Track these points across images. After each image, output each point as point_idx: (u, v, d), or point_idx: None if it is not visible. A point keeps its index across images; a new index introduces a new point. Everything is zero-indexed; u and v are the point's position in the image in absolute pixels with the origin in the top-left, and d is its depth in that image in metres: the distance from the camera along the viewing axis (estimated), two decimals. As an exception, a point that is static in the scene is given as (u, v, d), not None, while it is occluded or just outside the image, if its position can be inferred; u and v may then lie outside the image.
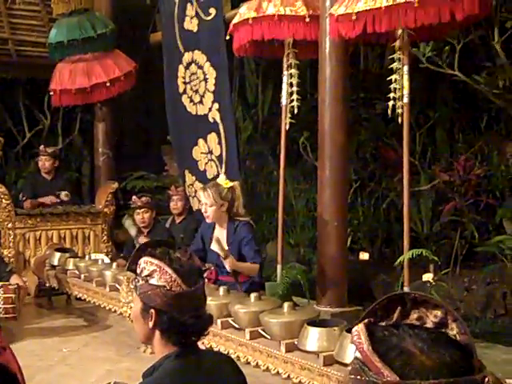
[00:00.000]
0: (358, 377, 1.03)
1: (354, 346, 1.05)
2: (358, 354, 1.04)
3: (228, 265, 4.44)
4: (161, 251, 2.01)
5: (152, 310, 1.93)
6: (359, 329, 1.05)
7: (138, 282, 1.98)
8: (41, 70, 8.20)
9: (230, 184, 4.73)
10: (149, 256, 1.98)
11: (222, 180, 4.79)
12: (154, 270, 1.93)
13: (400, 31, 4.42)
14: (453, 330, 1.06)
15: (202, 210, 4.76)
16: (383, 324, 1.08)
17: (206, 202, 4.67)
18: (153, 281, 1.93)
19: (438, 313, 1.08)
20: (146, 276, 1.95)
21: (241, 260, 4.60)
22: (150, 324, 1.95)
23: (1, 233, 7.08)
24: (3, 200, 7.00)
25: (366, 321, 1.08)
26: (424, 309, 1.09)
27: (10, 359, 0.99)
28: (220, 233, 4.77)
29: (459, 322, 1.07)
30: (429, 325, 1.08)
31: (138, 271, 2.00)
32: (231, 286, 4.43)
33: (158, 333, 1.96)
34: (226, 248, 4.51)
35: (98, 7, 8.01)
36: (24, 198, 7.21)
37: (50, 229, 7.18)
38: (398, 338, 1.03)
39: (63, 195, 7.27)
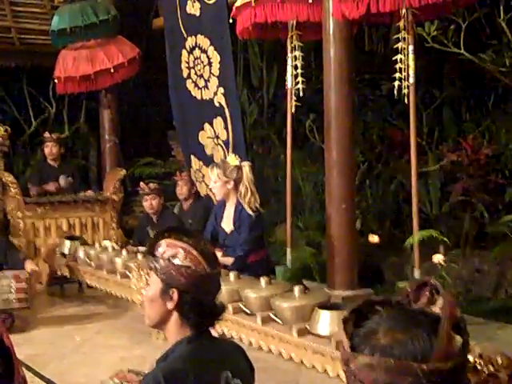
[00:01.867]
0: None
1: None
2: None
3: None
4: (179, 236, 2.03)
5: (174, 290, 1.94)
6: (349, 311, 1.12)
7: (158, 262, 1.98)
8: (44, 58, 8.18)
9: (237, 163, 4.83)
10: (171, 239, 1.99)
11: (231, 159, 4.92)
12: (178, 252, 1.95)
13: (404, 10, 4.38)
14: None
15: (210, 186, 4.96)
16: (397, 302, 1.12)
17: (211, 179, 4.86)
18: (177, 261, 1.94)
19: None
20: (170, 257, 1.96)
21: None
22: (170, 305, 1.95)
23: (10, 222, 7.12)
24: (11, 189, 7.03)
25: (365, 300, 1.14)
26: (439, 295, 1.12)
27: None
28: (229, 210, 4.89)
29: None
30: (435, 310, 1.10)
31: (159, 253, 2.00)
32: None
33: (175, 314, 1.97)
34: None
35: (100, -7, 7.95)
36: (30, 186, 7.26)
37: (60, 217, 7.22)
38: (380, 316, 1.08)
39: (62, 180, 7.29)
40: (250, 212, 4.77)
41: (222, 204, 4.95)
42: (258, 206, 4.83)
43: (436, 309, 1.10)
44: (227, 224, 4.92)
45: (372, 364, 1.02)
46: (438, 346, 1.02)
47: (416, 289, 1.13)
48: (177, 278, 1.93)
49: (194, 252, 1.93)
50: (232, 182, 4.77)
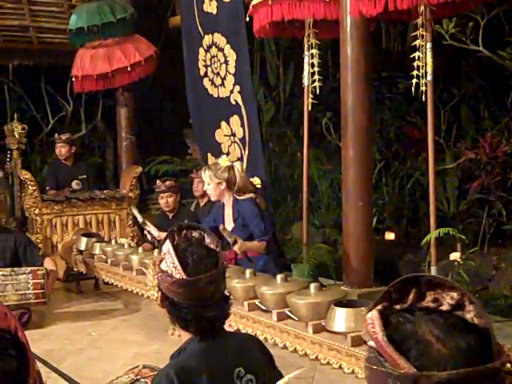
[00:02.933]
0: (374, 366, 1.01)
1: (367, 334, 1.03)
2: (373, 343, 1.02)
3: (237, 250, 4.56)
4: (188, 235, 2.02)
5: (160, 293, 1.99)
6: (373, 316, 1.02)
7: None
8: (62, 57, 8.24)
9: (228, 163, 4.91)
10: (169, 240, 1.99)
11: (222, 160, 4.98)
12: (165, 254, 1.96)
13: (422, 8, 4.35)
14: (470, 313, 1.03)
15: (205, 188, 5.03)
16: (398, 307, 1.05)
17: (205, 181, 4.93)
18: (162, 265, 1.96)
19: (455, 294, 1.04)
20: (160, 260, 1.99)
21: (249, 237, 4.72)
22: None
23: (28, 219, 7.18)
24: (29, 186, 7.09)
25: (379, 307, 1.04)
26: (440, 290, 1.05)
27: (1, 318, 1.00)
28: (228, 211, 4.91)
29: (476, 305, 1.03)
30: (445, 307, 1.04)
31: None
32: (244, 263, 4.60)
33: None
34: (232, 234, 4.63)
35: (117, -8, 8.00)
36: (47, 188, 7.31)
37: (76, 214, 7.26)
38: (414, 324, 1.00)
39: (74, 184, 7.33)
40: (248, 196, 4.84)
41: (221, 206, 4.99)
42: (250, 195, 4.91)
43: (426, 304, 1.05)
44: (228, 224, 4.91)
45: (451, 378, 0.95)
46: (495, 345, 0.99)
47: (401, 287, 1.07)
48: (160, 282, 1.96)
49: (174, 257, 1.92)
50: (224, 183, 4.83)
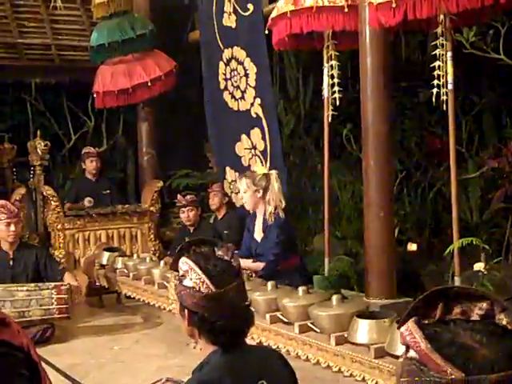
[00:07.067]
0: (416, 378, 1.00)
1: (405, 345, 1.02)
2: (413, 354, 1.01)
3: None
4: (200, 251, 2.03)
5: (186, 310, 1.96)
6: (411, 327, 1.02)
7: (176, 281, 2.01)
8: (83, 74, 8.32)
9: (264, 171, 4.91)
10: (186, 256, 1.99)
11: (259, 168, 5.03)
12: (187, 271, 1.95)
13: (442, 17, 4.32)
14: (502, 321, 1.03)
15: (240, 197, 5.02)
16: (426, 322, 1.05)
17: (241, 189, 4.91)
18: (185, 281, 1.94)
19: (484, 304, 1.04)
20: (181, 276, 1.97)
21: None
22: (186, 323, 1.98)
23: (51, 234, 7.23)
24: (52, 202, 7.16)
25: (414, 318, 1.04)
26: (467, 302, 1.05)
27: (15, 335, 0.99)
28: (259, 219, 4.94)
29: (509, 312, 1.03)
30: (474, 318, 1.04)
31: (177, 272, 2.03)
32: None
33: (196, 331, 1.98)
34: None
35: (137, 8, 8.08)
36: (65, 202, 7.39)
37: (98, 229, 7.32)
38: (452, 332, 1.00)
39: (86, 201, 7.37)
40: (276, 216, 4.82)
41: (253, 216, 5.01)
42: (281, 212, 4.86)
43: (455, 317, 1.04)
44: (258, 233, 4.97)
45: (500, 380, 0.95)
46: None
47: (427, 302, 1.07)
48: (185, 299, 1.94)
49: (199, 271, 1.92)
50: (261, 191, 4.83)
